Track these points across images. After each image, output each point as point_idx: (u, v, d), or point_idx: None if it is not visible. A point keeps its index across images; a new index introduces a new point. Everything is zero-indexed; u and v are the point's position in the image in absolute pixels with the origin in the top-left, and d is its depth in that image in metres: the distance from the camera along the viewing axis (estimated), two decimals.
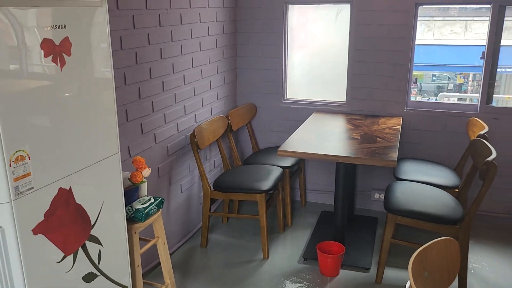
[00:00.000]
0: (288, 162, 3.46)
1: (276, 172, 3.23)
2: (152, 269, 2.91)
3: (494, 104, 3.38)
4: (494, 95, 3.43)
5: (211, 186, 3.20)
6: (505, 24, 3.28)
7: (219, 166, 3.73)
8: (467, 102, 7.92)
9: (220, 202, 3.86)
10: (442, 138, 3.51)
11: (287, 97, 3.89)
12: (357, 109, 3.66)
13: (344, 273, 2.93)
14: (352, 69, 3.60)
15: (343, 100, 3.72)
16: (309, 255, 3.10)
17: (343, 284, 2.82)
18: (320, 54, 3.81)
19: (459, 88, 12.12)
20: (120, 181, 1.98)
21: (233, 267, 3.00)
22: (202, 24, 3.23)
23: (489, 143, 2.65)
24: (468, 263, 3.00)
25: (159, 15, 2.72)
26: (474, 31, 9.80)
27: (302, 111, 3.79)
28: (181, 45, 2.99)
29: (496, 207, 3.53)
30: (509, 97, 9.05)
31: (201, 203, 3.34)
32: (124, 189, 2.02)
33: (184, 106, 3.11)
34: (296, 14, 3.75)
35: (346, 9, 3.56)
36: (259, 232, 3.06)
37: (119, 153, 1.95)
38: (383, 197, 3.20)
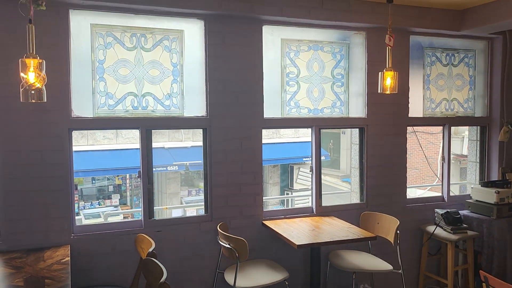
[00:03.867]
0: None
1: None
2: None
3: (156, 217, 3.63)
4: (154, 207, 3.69)
5: None
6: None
7: None
8: (132, 218, 8.21)
9: None
10: (114, 258, 3.46)
11: None
12: (16, 246, 3.19)
13: None
14: (5, 200, 3.16)
15: None
16: None
17: None
18: None
19: (119, 188, 12.72)
20: None
21: None
22: None
23: (158, 260, 2.76)
24: None
25: None
26: (125, 136, 10.71)
27: None
28: None
29: None
30: (166, 208, 10.10)
31: None
32: None
33: None
34: None
35: None
36: None
37: None
38: None
